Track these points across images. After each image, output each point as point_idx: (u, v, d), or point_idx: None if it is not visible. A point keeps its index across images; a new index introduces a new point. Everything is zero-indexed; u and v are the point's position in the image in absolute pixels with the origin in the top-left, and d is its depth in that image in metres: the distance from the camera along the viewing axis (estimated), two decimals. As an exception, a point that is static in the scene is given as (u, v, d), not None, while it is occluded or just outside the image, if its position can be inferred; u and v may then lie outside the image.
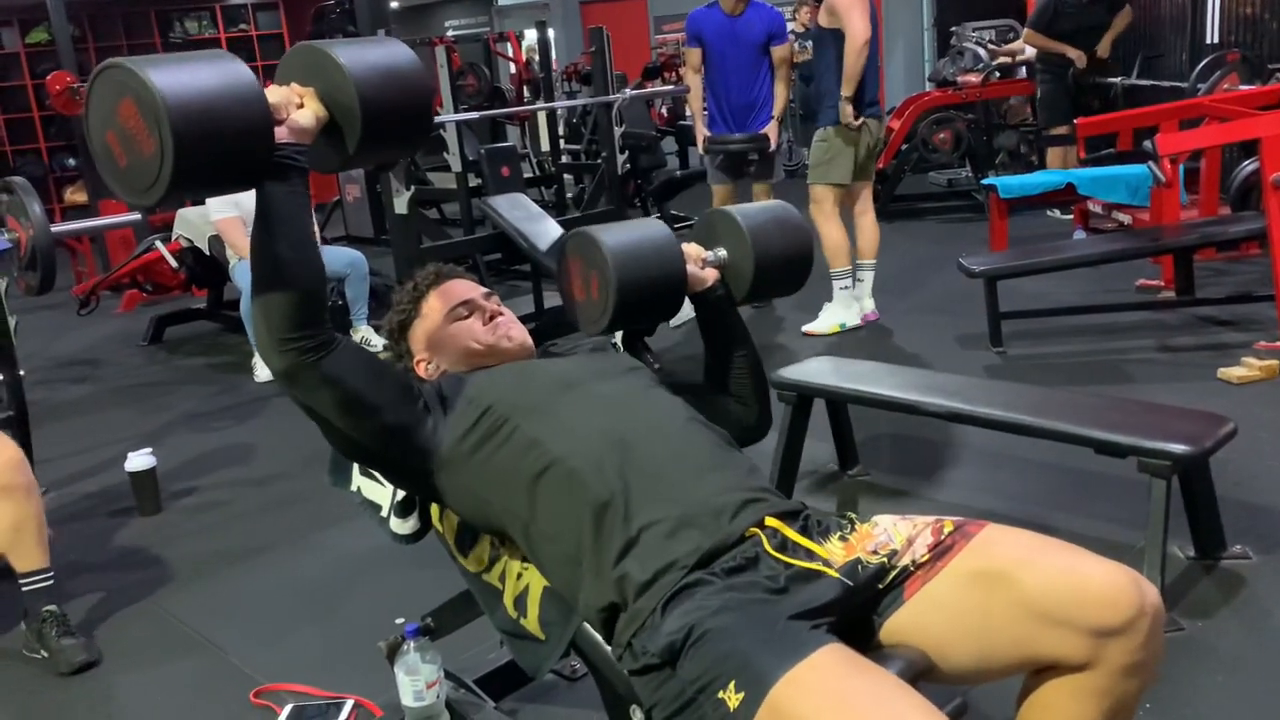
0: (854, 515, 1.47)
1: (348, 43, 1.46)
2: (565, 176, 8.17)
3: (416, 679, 1.86)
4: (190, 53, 1.33)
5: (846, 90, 4.49)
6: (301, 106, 1.41)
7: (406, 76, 1.45)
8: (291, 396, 1.46)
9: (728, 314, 1.78)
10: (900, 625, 1.36)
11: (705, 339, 1.82)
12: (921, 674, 1.35)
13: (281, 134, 1.37)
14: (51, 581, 2.52)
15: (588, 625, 1.47)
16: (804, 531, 1.42)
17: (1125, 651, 1.25)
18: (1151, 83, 7.14)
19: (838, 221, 4.76)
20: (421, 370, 1.76)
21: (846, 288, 4.79)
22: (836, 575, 1.35)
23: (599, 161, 6.52)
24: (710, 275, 1.76)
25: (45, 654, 2.49)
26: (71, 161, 10.45)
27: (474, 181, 6.24)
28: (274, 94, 1.38)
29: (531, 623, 1.56)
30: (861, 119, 4.55)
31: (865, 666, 1.21)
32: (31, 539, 2.46)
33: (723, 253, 1.79)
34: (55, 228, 3.11)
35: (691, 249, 1.78)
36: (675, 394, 1.67)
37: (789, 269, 1.84)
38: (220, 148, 1.26)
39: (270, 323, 1.39)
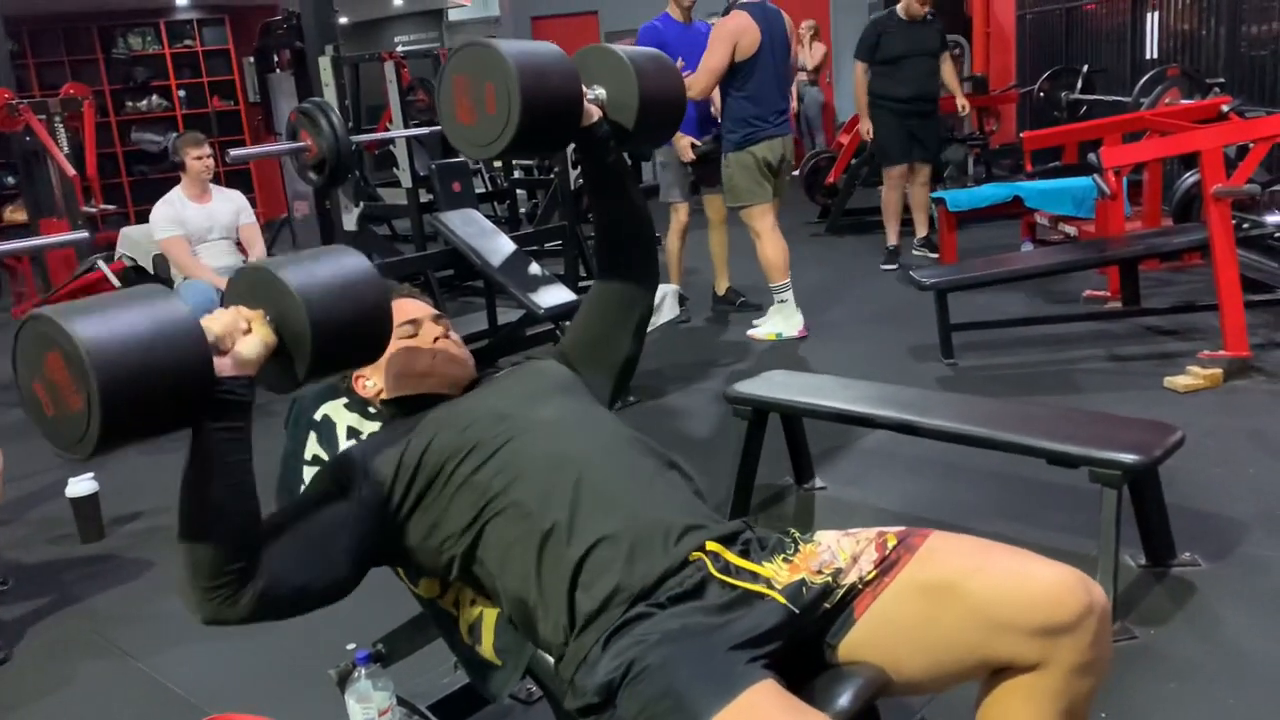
0: (797, 534, 1.46)
1: (298, 259, 1.39)
2: (518, 192, 8.15)
3: (368, 706, 1.82)
4: (121, 294, 1.24)
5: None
6: (249, 332, 1.32)
7: (361, 294, 1.38)
8: None
9: (612, 153, 1.70)
10: (854, 644, 1.35)
11: (591, 184, 1.77)
12: (880, 690, 1.35)
13: (225, 366, 1.27)
14: None
15: (546, 655, 1.44)
16: (745, 554, 1.40)
17: (1075, 650, 1.26)
18: (1095, 97, 7.29)
19: (772, 237, 4.85)
20: (359, 387, 1.71)
21: (785, 300, 4.90)
22: (781, 599, 1.34)
23: (551, 177, 6.51)
24: (594, 111, 1.66)
25: None
26: (10, 180, 10.21)
27: (425, 197, 6.19)
28: (219, 322, 1.30)
29: (486, 649, 1.53)
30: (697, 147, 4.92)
31: (794, 707, 1.20)
32: None
33: (601, 91, 1.72)
34: (-8, 248, 3.03)
35: None
36: (578, 329, 1.73)
37: (667, 109, 1.79)
38: (153, 401, 1.18)
39: (194, 569, 1.29)
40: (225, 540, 1.29)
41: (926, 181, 6.27)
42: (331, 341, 1.35)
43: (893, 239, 6.24)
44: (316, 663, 2.02)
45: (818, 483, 3.21)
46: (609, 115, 1.70)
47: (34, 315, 1.18)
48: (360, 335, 1.40)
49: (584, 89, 1.66)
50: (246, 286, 1.37)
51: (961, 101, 6.44)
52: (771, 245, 4.83)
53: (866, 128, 6.05)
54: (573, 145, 1.71)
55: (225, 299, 1.39)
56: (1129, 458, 2.25)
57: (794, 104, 10.20)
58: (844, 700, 1.30)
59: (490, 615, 1.52)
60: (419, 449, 1.49)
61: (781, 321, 4.92)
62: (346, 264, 1.40)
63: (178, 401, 1.21)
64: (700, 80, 4.63)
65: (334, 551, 1.43)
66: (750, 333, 4.98)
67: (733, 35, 4.62)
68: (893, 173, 6.17)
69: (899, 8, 5.99)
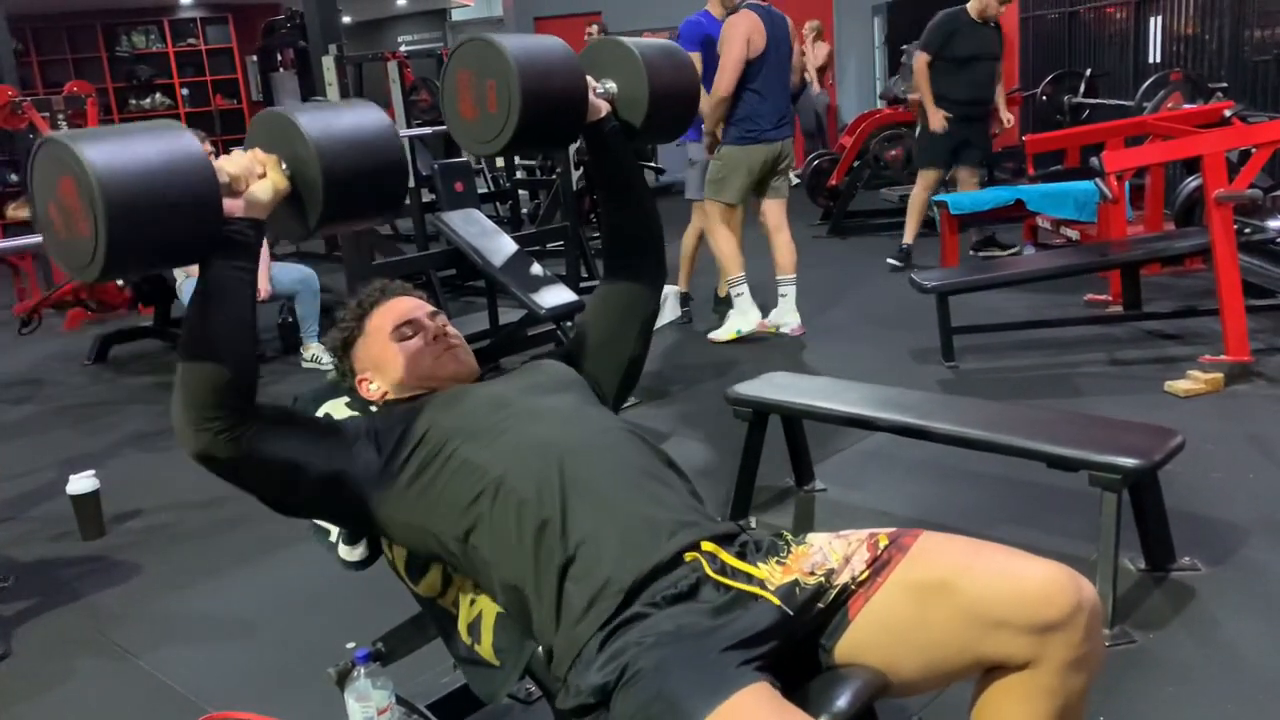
0: (789, 535, 1.46)
1: (318, 108, 1.40)
2: (520, 192, 8.16)
3: (367, 705, 1.82)
4: (137, 124, 1.26)
5: (707, 125, 4.80)
6: (263, 176, 1.35)
7: (377, 147, 1.39)
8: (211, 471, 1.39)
9: (621, 150, 1.69)
10: (851, 646, 1.36)
11: (599, 182, 1.76)
12: (878, 692, 1.35)
13: (236, 207, 1.31)
14: None
15: (541, 651, 1.44)
16: (741, 555, 1.40)
17: (1067, 646, 1.27)
18: (1097, 101, 7.29)
19: (724, 232, 4.89)
20: (364, 390, 1.73)
21: (741, 294, 4.91)
22: (775, 601, 1.34)
23: (553, 177, 6.51)
24: (603, 106, 1.65)
25: None
26: (14, 177, 10.21)
27: (428, 197, 6.20)
28: (234, 163, 1.33)
29: (485, 649, 1.54)
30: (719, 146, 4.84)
31: (783, 710, 1.21)
32: None
33: (611, 85, 1.69)
34: (-5, 245, 3.03)
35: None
36: (583, 330, 1.75)
37: (679, 104, 1.76)
38: (160, 232, 1.20)
39: (189, 398, 1.33)
40: (223, 371, 1.33)
41: (976, 185, 6.11)
42: (345, 193, 1.36)
43: (909, 238, 6.20)
44: (316, 661, 2.02)
45: (818, 485, 3.21)
46: (619, 110, 1.68)
47: (50, 139, 1.21)
48: (374, 190, 1.41)
49: (594, 83, 1.64)
50: (265, 131, 1.39)
51: (1006, 115, 6.15)
52: (718, 240, 4.88)
53: (939, 117, 5.84)
54: (580, 142, 1.68)
55: (245, 142, 1.41)
56: (1129, 462, 2.25)
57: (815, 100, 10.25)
58: (842, 702, 1.30)
59: (490, 614, 1.53)
60: (425, 424, 1.53)
61: (739, 318, 4.92)
62: (367, 118, 1.41)
63: (184, 236, 1.24)
64: (724, 77, 4.65)
65: (319, 458, 1.47)
66: (711, 336, 4.95)
67: (745, 31, 4.65)
68: (929, 175, 6.08)
69: (970, 7, 5.81)
